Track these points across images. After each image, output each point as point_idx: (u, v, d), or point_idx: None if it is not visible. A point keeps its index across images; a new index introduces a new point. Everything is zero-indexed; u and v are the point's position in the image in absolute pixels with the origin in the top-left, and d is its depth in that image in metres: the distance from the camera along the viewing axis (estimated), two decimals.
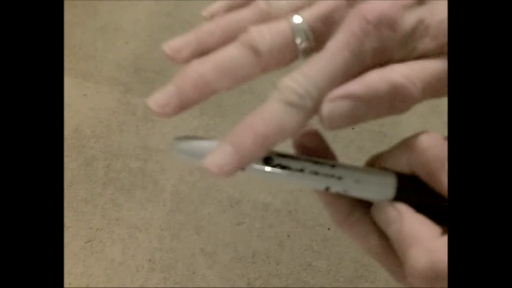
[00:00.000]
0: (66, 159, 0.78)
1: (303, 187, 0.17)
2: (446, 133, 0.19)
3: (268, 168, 0.19)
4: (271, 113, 0.17)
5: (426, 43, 0.17)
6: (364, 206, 0.20)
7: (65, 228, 0.72)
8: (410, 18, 0.17)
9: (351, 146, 0.83)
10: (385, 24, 0.16)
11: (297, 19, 0.18)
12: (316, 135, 0.20)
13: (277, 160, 0.19)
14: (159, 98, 0.19)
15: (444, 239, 0.16)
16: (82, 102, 0.86)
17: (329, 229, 0.74)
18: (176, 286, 0.69)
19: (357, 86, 0.16)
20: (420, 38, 0.17)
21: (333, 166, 0.19)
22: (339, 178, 0.18)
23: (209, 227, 0.73)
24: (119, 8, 0.99)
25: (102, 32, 0.96)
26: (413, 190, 0.18)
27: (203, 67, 0.18)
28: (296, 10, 0.19)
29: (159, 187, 0.77)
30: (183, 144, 0.19)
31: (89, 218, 0.73)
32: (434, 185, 0.18)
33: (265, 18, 0.20)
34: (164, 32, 0.95)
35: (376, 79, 0.16)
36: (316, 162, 0.19)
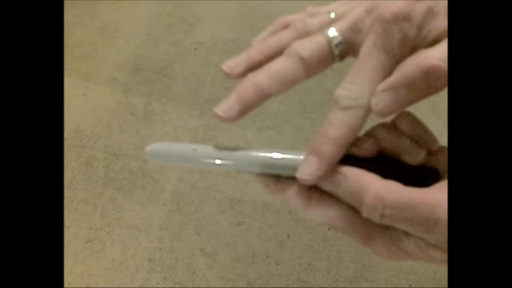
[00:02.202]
0: (66, 159, 0.78)
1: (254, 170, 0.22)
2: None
3: (218, 161, 0.22)
4: (338, 119, 0.21)
5: (438, 25, 0.20)
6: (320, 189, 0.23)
7: (65, 228, 0.72)
8: (420, 8, 0.20)
9: None
10: (401, 18, 0.20)
11: (332, 31, 0.23)
12: (410, 116, 0.23)
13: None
14: (223, 106, 0.22)
15: (386, 181, 0.20)
16: (82, 102, 0.86)
17: (329, 229, 0.74)
18: (176, 286, 0.69)
19: (394, 77, 0.20)
20: (431, 23, 0.20)
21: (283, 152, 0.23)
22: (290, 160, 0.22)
23: (209, 227, 0.73)
24: (119, 8, 0.99)
25: (102, 32, 0.96)
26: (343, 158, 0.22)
27: (258, 77, 0.23)
28: (327, 25, 0.23)
29: (159, 187, 0.77)
30: (156, 148, 0.23)
31: (89, 218, 0.73)
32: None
33: (303, 35, 0.24)
34: (164, 32, 0.95)
35: (409, 67, 0.19)
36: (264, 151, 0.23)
